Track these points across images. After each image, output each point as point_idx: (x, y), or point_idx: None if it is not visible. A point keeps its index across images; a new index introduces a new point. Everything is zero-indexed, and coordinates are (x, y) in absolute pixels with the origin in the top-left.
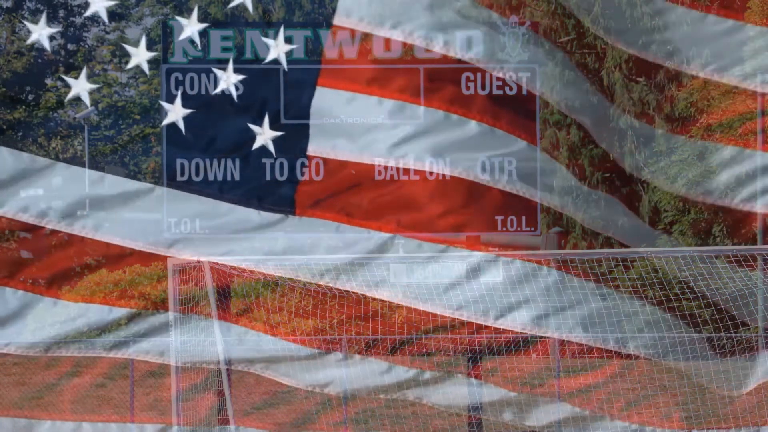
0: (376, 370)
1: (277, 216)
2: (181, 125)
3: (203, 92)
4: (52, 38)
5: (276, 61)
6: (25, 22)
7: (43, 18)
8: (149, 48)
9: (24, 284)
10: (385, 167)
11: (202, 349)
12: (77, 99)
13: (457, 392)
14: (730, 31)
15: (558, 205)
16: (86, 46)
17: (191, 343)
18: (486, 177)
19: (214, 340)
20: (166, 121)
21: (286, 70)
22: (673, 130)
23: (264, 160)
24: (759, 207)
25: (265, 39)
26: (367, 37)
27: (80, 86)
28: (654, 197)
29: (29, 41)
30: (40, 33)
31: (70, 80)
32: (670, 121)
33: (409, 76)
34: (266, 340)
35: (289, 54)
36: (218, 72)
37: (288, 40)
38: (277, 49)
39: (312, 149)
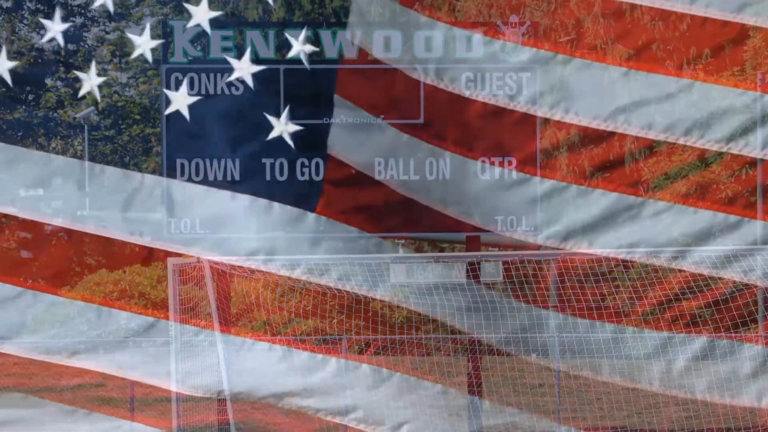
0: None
1: (297, 211)
2: (186, 113)
3: (203, 92)
4: (52, 38)
5: (296, 60)
6: (41, 20)
7: (57, 14)
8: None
9: None
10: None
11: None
12: (88, 94)
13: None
14: None
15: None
16: (86, 46)
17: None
18: (487, 177)
19: (214, 340)
20: (169, 110)
21: (309, 69)
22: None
23: (276, 159)
24: (759, 207)
25: (288, 36)
26: None
27: (92, 81)
28: (654, 197)
29: (45, 39)
30: (56, 30)
31: (82, 75)
32: None
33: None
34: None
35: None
36: (233, 61)
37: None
38: (299, 47)
39: (331, 149)
